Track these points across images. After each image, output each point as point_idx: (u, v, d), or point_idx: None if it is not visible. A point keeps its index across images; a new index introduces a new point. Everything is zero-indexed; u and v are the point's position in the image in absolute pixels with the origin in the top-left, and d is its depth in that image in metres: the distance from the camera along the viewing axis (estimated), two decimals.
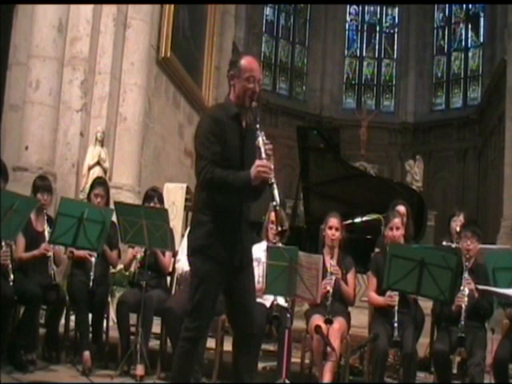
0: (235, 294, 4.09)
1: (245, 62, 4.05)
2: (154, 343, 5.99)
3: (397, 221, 5.67)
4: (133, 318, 5.84)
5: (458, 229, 6.56)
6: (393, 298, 5.25)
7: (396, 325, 5.09)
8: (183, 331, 4.07)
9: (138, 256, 5.90)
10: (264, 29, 23.69)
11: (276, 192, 3.80)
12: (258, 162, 3.81)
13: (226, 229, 3.97)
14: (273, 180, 3.81)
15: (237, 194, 3.94)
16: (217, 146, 3.91)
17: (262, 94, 4.10)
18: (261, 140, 3.87)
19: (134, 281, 5.99)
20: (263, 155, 3.83)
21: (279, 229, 3.84)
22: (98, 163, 8.90)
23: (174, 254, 6.12)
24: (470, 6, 23.78)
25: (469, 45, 23.83)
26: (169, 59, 11.51)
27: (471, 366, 4.97)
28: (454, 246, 6.45)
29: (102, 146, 9.01)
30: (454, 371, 5.10)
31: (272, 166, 3.82)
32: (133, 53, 9.99)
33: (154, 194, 6.19)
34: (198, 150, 3.97)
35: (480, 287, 4.88)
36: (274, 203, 3.80)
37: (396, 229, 5.64)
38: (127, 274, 6.69)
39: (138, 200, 8.49)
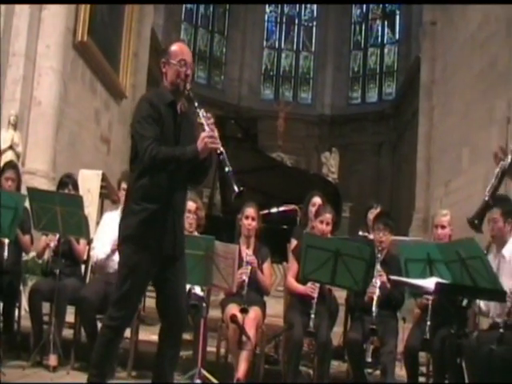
0: (166, 285, 4.05)
1: (175, 47, 4.11)
2: (68, 333, 5.87)
3: (328, 216, 5.74)
4: (46, 307, 5.71)
5: None
6: (314, 288, 5.31)
7: (313, 316, 5.15)
8: (107, 320, 4.03)
9: (52, 244, 5.77)
10: (183, 17, 23.53)
11: (227, 159, 3.84)
12: (203, 134, 3.83)
13: (159, 218, 3.94)
14: (221, 149, 3.84)
15: (182, 168, 3.92)
16: (157, 128, 3.91)
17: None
18: (201, 115, 3.91)
19: (48, 269, 5.85)
20: (207, 128, 3.87)
21: (236, 189, 3.84)
22: (11, 147, 8.69)
23: (89, 242, 6.01)
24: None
25: (385, 41, 24.39)
26: (86, 43, 11.27)
27: (383, 354, 5.09)
28: (371, 237, 6.58)
29: (15, 129, 8.78)
30: (367, 359, 5.21)
31: (217, 136, 3.86)
32: (49, 35, 9.72)
33: (68, 181, 6.07)
34: (140, 132, 3.93)
35: (392, 278, 4.98)
36: (227, 169, 3.82)
37: (326, 224, 5.71)
38: (40, 262, 6.54)
39: (53, 186, 8.29)
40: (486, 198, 3.39)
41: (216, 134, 3.85)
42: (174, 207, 4.02)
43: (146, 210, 3.92)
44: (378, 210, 6.94)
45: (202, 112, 3.93)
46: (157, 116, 3.94)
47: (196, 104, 3.98)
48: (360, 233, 7.05)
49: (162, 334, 4.15)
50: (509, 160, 3.46)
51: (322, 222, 5.72)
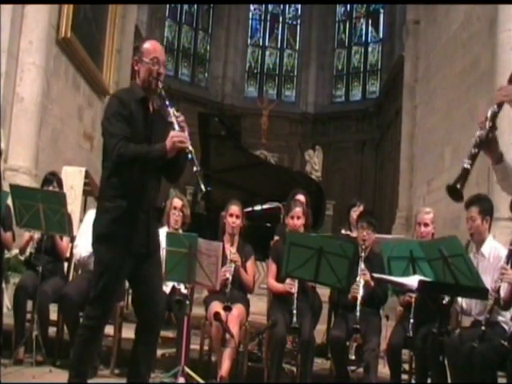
0: (140, 281, 4.06)
1: (148, 44, 4.10)
2: (51, 330, 5.84)
3: (298, 210, 5.75)
4: (28, 305, 5.68)
5: None
6: (292, 285, 5.33)
7: (295, 312, 5.17)
8: (84, 319, 4.05)
9: (36, 236, 5.76)
10: (167, 13, 23.44)
11: (195, 158, 3.87)
12: (172, 133, 3.85)
13: (132, 216, 3.94)
14: (190, 148, 3.86)
15: (151, 166, 3.94)
16: (126, 125, 3.90)
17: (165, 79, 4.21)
18: (172, 113, 3.93)
19: (31, 261, 5.84)
20: (176, 127, 3.89)
21: (203, 189, 3.99)
22: None
23: (72, 239, 5.99)
24: None
25: (369, 40, 24.43)
26: (69, 39, 11.18)
27: (366, 351, 5.12)
28: (354, 235, 6.60)
29: None
30: (351, 357, 5.23)
31: (187, 136, 3.87)
32: (31, 31, 9.63)
33: (52, 178, 6.07)
34: (109, 129, 3.94)
35: (376, 275, 5.01)
36: (195, 169, 3.86)
37: (297, 218, 5.72)
38: (23, 258, 6.50)
39: (35, 183, 8.24)
40: (465, 166, 3.26)
41: (186, 133, 3.88)
42: (147, 204, 4.03)
43: (119, 208, 3.92)
44: (361, 208, 6.95)
45: (172, 110, 3.94)
46: (126, 113, 3.92)
47: (167, 102, 3.98)
48: (342, 231, 7.07)
49: (137, 331, 4.16)
50: (486, 129, 3.36)
51: (292, 217, 5.75)
